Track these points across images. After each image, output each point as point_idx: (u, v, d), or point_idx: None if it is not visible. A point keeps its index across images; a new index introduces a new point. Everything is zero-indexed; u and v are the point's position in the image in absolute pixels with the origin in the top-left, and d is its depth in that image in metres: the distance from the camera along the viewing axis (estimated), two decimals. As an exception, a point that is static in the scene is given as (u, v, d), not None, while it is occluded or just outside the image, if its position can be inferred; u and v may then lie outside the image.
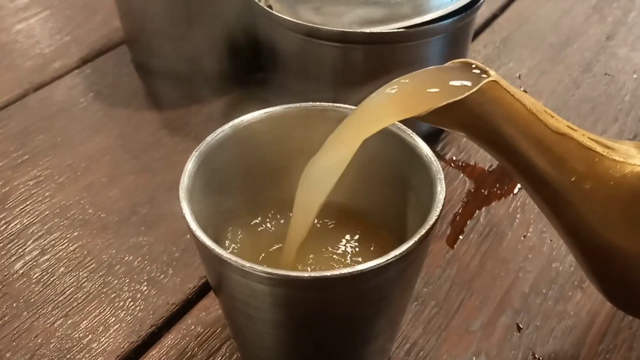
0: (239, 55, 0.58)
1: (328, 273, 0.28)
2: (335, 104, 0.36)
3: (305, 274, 0.28)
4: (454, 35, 0.48)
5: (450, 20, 0.47)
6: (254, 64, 0.58)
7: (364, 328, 0.32)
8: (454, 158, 0.51)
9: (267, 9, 0.48)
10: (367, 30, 0.46)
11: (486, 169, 0.50)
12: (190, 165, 0.33)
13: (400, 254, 0.29)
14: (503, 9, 0.69)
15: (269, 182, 0.38)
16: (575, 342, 0.39)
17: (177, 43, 0.57)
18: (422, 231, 0.30)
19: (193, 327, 0.40)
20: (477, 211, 0.47)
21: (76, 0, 0.70)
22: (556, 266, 0.43)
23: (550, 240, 0.45)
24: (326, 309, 0.30)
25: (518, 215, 0.47)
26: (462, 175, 0.50)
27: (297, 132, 0.37)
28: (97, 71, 0.60)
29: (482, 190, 0.49)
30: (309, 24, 0.46)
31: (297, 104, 0.37)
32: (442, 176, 0.32)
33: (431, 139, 0.52)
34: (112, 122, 0.55)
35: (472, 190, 0.49)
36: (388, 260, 0.29)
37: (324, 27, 0.46)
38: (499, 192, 0.48)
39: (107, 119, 0.55)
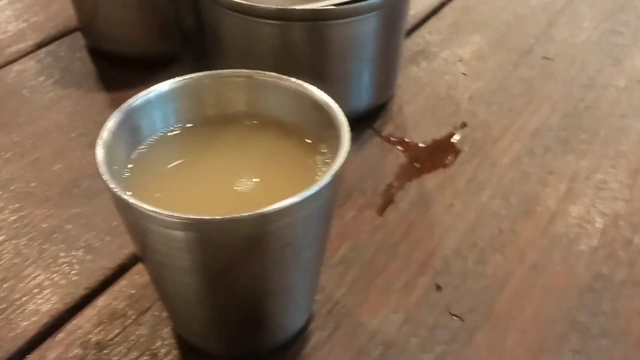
0: (188, 40, 0.60)
1: (231, 215, 0.29)
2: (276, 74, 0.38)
3: (209, 216, 0.30)
4: (389, 13, 0.50)
5: (385, -4, 0.48)
6: (203, 49, 0.59)
7: (274, 275, 0.34)
8: (390, 135, 0.53)
9: (208, -11, 0.50)
10: (301, 7, 0.47)
11: (420, 144, 0.52)
12: (110, 123, 0.35)
13: (307, 195, 0.30)
14: (452, -4, 0.71)
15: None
16: (490, 299, 0.40)
17: (127, 28, 0.59)
18: (327, 178, 0.31)
19: (125, 289, 0.42)
20: (407, 182, 0.48)
21: (34, -11, 0.71)
22: (479, 231, 0.45)
23: (475, 209, 0.46)
24: (233, 252, 0.32)
25: (447, 187, 0.48)
26: (396, 149, 0.51)
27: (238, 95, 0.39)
28: (50, 55, 0.62)
29: (415, 164, 0.50)
30: (247, 3, 0.48)
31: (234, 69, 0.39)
32: (348, 128, 0.34)
33: (369, 117, 0.53)
34: (62, 102, 0.56)
35: (405, 164, 0.50)
36: (293, 202, 0.30)
37: (261, 5, 0.48)
38: (430, 165, 0.50)
39: (57, 99, 0.57)
